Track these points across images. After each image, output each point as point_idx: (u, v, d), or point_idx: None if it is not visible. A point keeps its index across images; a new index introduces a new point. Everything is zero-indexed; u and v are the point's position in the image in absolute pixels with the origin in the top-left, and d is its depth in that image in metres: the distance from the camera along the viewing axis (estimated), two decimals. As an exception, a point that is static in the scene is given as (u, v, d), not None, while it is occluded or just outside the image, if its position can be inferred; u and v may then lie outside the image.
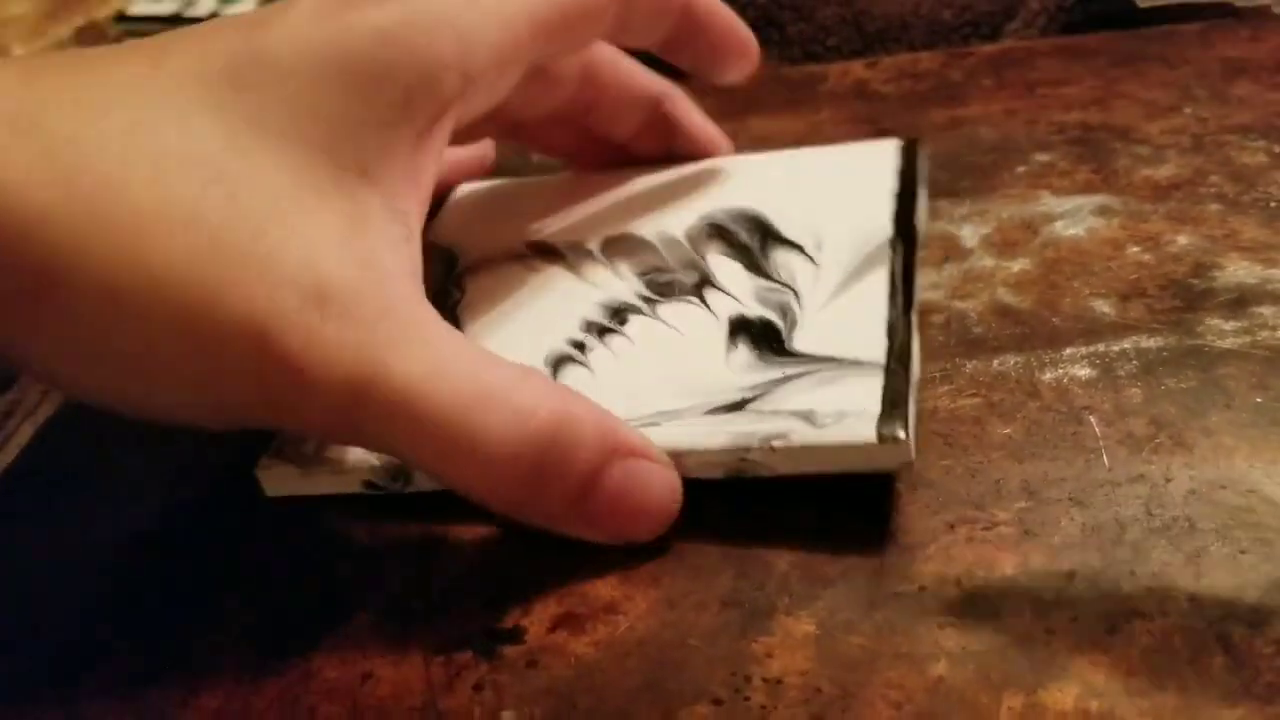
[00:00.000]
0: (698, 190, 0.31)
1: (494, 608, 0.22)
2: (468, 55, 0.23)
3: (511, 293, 0.29)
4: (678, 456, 0.23)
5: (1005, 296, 0.28)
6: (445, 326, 0.22)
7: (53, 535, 0.27)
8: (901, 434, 0.21)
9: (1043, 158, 0.33)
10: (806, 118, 0.39)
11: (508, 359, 0.22)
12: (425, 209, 0.23)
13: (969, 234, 0.30)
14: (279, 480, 0.25)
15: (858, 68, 0.41)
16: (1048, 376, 0.25)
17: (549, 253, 0.30)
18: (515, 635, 0.21)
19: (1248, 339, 0.25)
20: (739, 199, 0.30)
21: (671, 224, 0.30)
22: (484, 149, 0.36)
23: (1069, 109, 0.35)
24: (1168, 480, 0.22)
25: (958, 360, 0.26)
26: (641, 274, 0.28)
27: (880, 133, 0.37)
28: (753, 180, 0.31)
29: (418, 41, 0.22)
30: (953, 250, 0.30)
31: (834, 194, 0.30)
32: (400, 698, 0.21)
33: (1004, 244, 0.29)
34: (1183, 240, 0.28)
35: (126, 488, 0.28)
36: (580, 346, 0.26)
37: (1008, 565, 0.21)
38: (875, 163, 0.31)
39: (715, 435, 0.23)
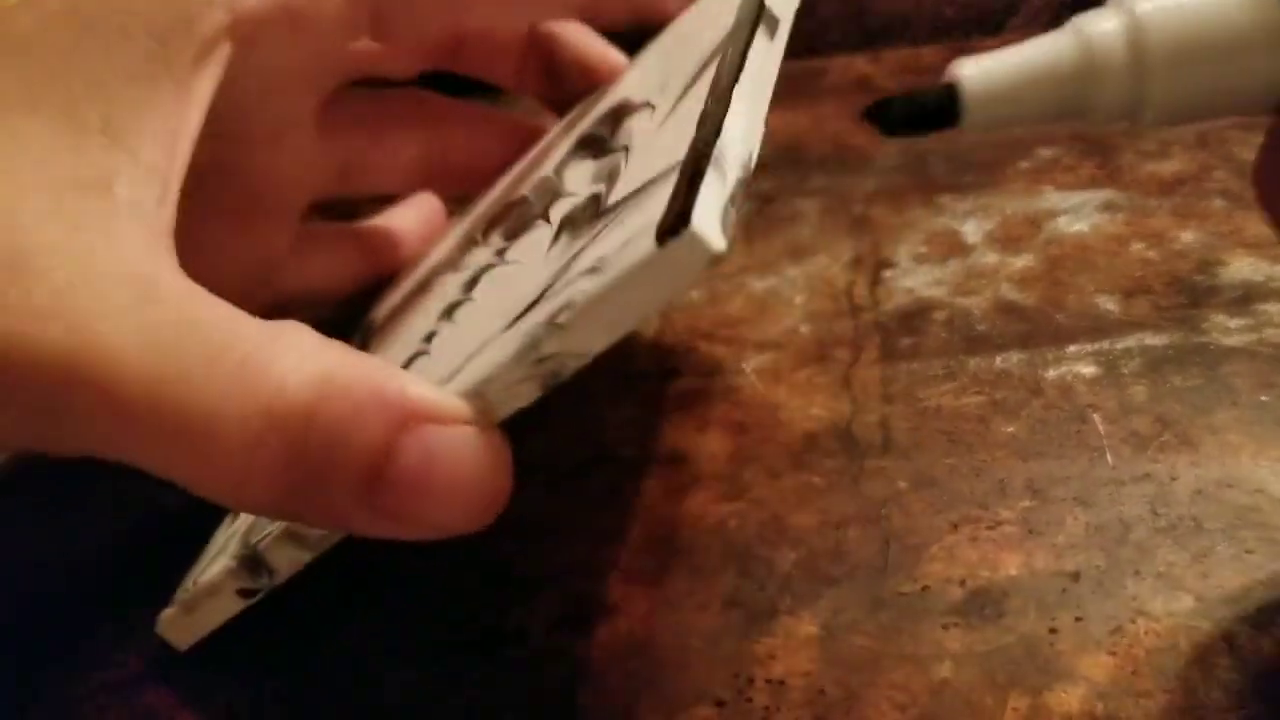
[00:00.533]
0: (578, 120, 0.28)
1: (495, 609, 0.22)
2: None
3: (398, 328, 0.26)
4: (483, 397, 0.18)
5: (1009, 293, 0.27)
6: (185, 286, 0.18)
7: (49, 536, 0.27)
8: (691, 225, 0.15)
9: (1046, 153, 0.33)
10: (807, 111, 0.38)
11: (274, 321, 0.18)
12: (186, 161, 0.21)
13: (972, 230, 0.30)
14: (177, 628, 0.21)
15: (860, 62, 0.41)
16: (1052, 374, 0.25)
17: (444, 269, 0.27)
18: (517, 636, 0.21)
19: (1253, 336, 0.25)
20: (609, 100, 0.26)
21: (549, 165, 0.26)
22: (428, 211, 0.33)
23: (1072, 104, 0.35)
24: (1173, 479, 0.22)
25: (961, 357, 0.26)
26: (505, 231, 0.25)
27: (883, 128, 0.36)
28: (629, 75, 0.28)
29: None
30: (955, 246, 0.29)
31: (693, 29, 0.26)
32: (400, 699, 0.21)
33: (1007, 240, 0.29)
34: (1187, 236, 0.28)
35: (121, 488, 0.28)
36: (430, 337, 0.23)
37: (1012, 565, 0.21)
38: None
39: (505, 346, 0.18)
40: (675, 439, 0.25)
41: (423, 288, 0.27)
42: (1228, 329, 0.25)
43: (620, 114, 0.24)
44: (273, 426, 0.17)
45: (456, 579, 0.23)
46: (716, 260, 0.16)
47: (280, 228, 0.27)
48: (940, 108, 0.17)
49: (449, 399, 0.17)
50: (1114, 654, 0.19)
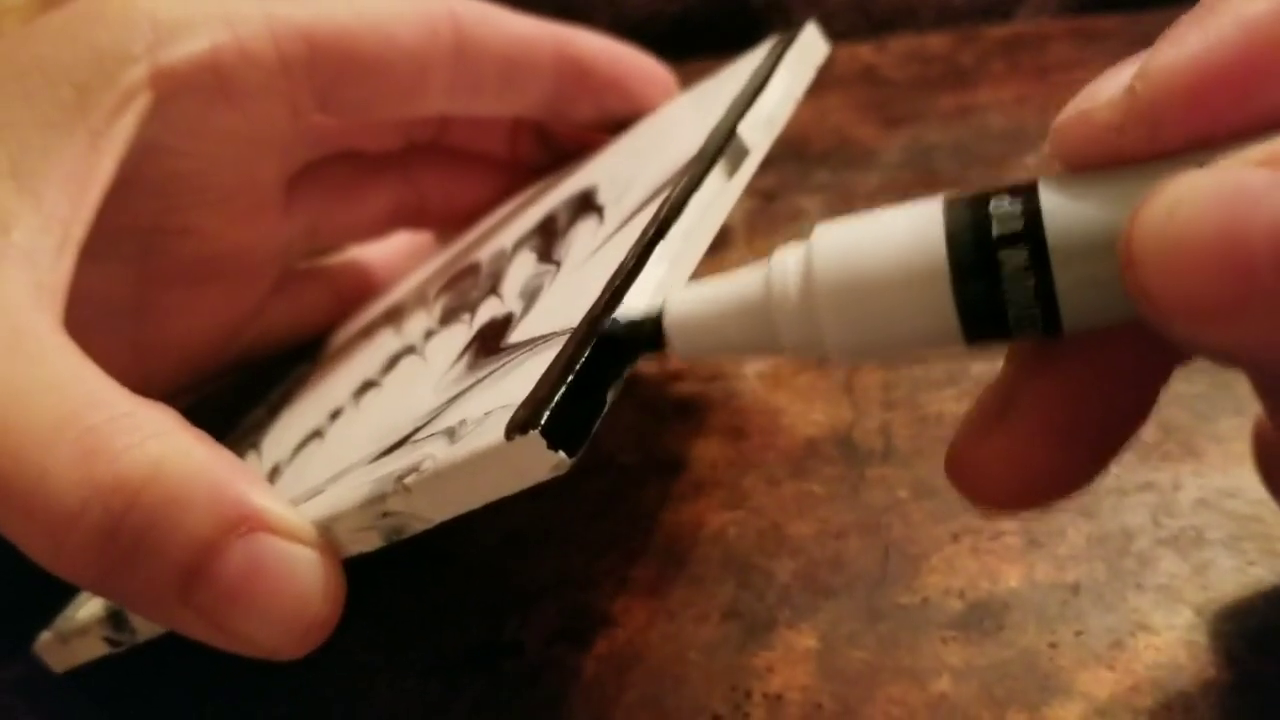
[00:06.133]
0: (565, 176, 0.27)
1: (492, 620, 0.22)
2: (162, 48, 0.22)
3: (330, 376, 0.26)
4: (330, 531, 0.17)
5: (1013, 294, 0.27)
6: (59, 344, 0.18)
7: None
8: (539, 429, 0.15)
9: (1053, 148, 0.32)
10: (812, 103, 0.38)
11: (144, 398, 0.18)
12: (92, 211, 0.21)
13: (977, 228, 0.30)
14: (53, 654, 0.21)
15: (866, 51, 0.41)
16: (1055, 378, 0.24)
17: (393, 318, 0.26)
18: (514, 649, 0.21)
19: (1260, 339, 0.24)
20: (585, 177, 0.26)
21: (512, 235, 0.25)
22: (405, 245, 0.32)
23: (1081, 95, 0.35)
24: (1176, 488, 0.21)
25: (964, 362, 0.25)
26: (445, 306, 0.24)
27: (888, 120, 0.36)
28: (613, 150, 0.27)
29: (99, 35, 0.21)
30: (960, 245, 0.29)
31: (673, 127, 0.25)
32: (397, 713, 0.21)
33: (1012, 239, 0.29)
34: (1195, 235, 0.28)
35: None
36: (336, 415, 0.22)
37: (1012, 577, 0.20)
38: (740, 70, 0.24)
39: (358, 488, 0.17)
40: (675, 445, 0.25)
41: (371, 330, 0.27)
42: (1234, 332, 0.25)
43: (582, 205, 0.23)
44: (97, 497, 0.16)
45: (452, 590, 0.23)
46: (561, 467, 0.15)
47: (247, 290, 0.27)
48: (648, 335, 0.16)
49: (293, 515, 0.17)
50: (1113, 669, 0.19)
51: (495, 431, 0.15)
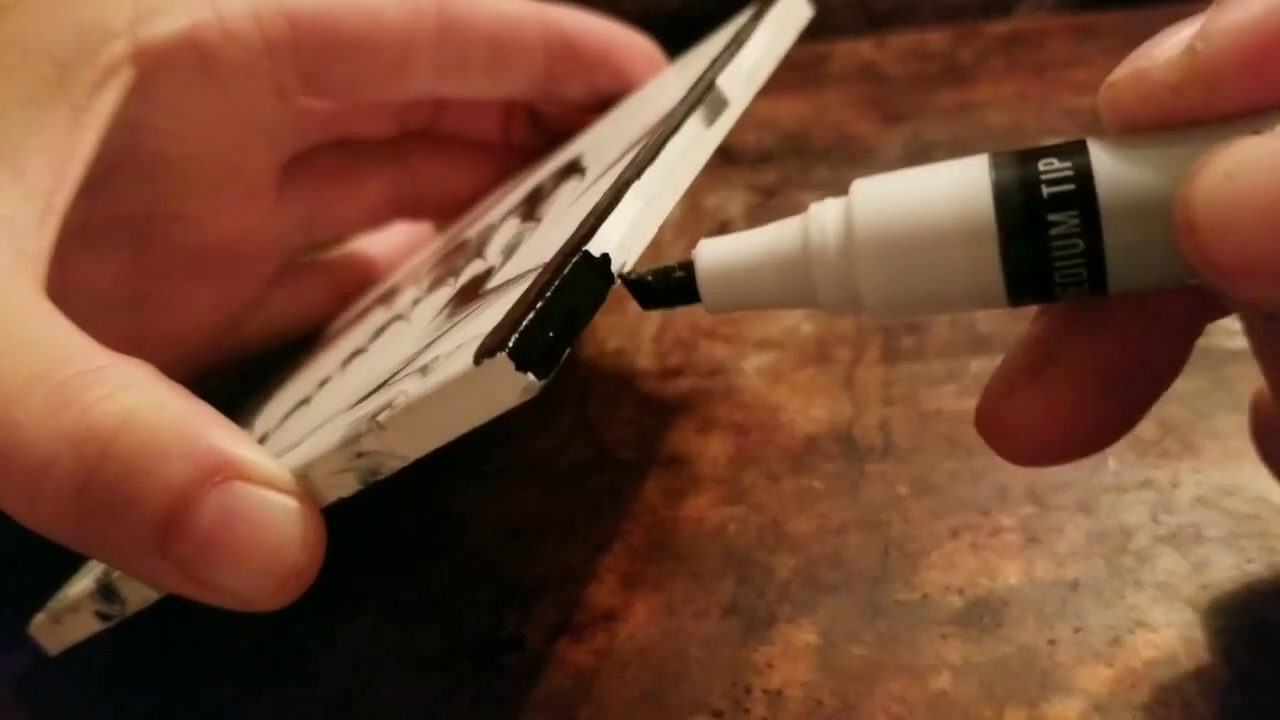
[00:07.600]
0: (550, 159, 0.27)
1: (493, 615, 0.22)
2: (143, 25, 0.22)
3: (325, 353, 0.26)
4: (307, 479, 0.17)
5: (1012, 291, 0.27)
6: (36, 307, 0.18)
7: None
8: (505, 352, 0.15)
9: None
10: (811, 99, 0.38)
11: (120, 354, 0.18)
12: (74, 184, 0.21)
13: (976, 225, 0.30)
14: (47, 635, 0.21)
15: (865, 47, 0.41)
16: (1054, 376, 0.24)
17: (385, 298, 0.27)
18: (515, 644, 0.21)
19: (1258, 337, 0.24)
20: (573, 149, 0.26)
21: (500, 210, 0.25)
22: (405, 235, 0.32)
23: (1081, 92, 0.35)
24: (1174, 486, 0.22)
25: (963, 358, 0.25)
26: (435, 276, 0.24)
27: (888, 117, 0.36)
28: (601, 124, 0.27)
29: (82, 11, 0.21)
30: (960, 242, 0.29)
31: (655, 92, 0.26)
32: (398, 708, 0.21)
33: (1012, 236, 0.29)
34: (1194, 232, 0.28)
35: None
36: (324, 383, 0.23)
37: (1011, 574, 0.21)
38: (723, 34, 0.25)
39: (333, 431, 0.17)
40: (675, 441, 0.25)
41: (365, 312, 0.27)
42: (1231, 331, 0.25)
43: (567, 171, 0.24)
44: (69, 448, 0.16)
45: (453, 584, 0.23)
46: (530, 390, 0.15)
47: (245, 281, 0.27)
48: (681, 286, 0.16)
49: (269, 463, 0.17)
50: (1112, 666, 0.19)
51: (465, 359, 0.15)
